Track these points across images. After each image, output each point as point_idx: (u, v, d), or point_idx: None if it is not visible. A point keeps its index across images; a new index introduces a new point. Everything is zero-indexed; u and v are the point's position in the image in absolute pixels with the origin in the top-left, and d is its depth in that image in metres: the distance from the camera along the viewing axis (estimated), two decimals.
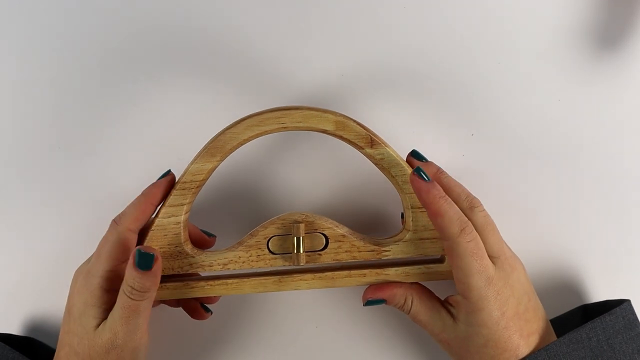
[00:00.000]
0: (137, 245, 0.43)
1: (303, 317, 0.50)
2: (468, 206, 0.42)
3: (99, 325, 0.41)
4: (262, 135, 0.43)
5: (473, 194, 0.43)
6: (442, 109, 0.49)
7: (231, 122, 0.43)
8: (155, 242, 0.43)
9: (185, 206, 0.43)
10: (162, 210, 0.43)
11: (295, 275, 0.44)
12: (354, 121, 0.43)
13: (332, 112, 0.43)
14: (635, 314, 0.44)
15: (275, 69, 0.49)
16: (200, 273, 0.46)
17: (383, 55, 0.49)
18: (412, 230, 0.43)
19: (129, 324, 0.40)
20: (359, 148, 0.43)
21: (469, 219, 0.42)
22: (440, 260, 0.44)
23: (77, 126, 0.50)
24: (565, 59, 0.49)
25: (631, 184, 0.50)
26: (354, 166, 0.49)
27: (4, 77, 0.50)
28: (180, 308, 0.48)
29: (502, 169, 0.49)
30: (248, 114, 0.43)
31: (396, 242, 0.43)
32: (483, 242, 0.41)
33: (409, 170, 0.43)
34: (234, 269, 0.43)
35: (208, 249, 0.46)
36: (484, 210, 0.43)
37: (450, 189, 0.43)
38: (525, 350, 0.41)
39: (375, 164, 0.43)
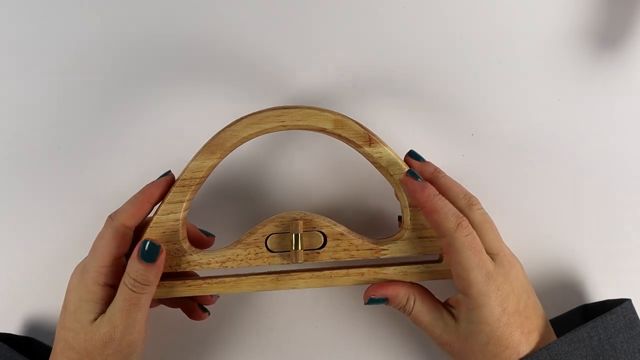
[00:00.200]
0: (132, 242, 0.43)
1: (303, 317, 0.50)
2: (466, 204, 0.42)
3: (94, 319, 0.41)
4: (262, 134, 0.43)
5: (471, 193, 0.43)
6: (442, 109, 0.49)
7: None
8: (153, 238, 0.43)
9: (184, 203, 0.43)
10: (161, 207, 0.43)
11: (293, 274, 0.44)
12: (353, 120, 0.43)
13: (331, 111, 0.43)
14: (636, 313, 0.44)
15: (275, 69, 0.49)
16: (198, 271, 0.46)
17: (383, 56, 0.49)
18: (411, 229, 0.43)
19: (129, 317, 0.40)
20: (357, 147, 0.43)
21: (467, 217, 0.42)
22: (439, 260, 0.44)
23: (78, 127, 0.50)
24: (565, 59, 0.49)
25: (631, 184, 0.50)
26: (352, 166, 0.49)
27: (4, 77, 0.50)
28: (179, 309, 0.48)
29: (502, 168, 0.49)
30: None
31: (394, 241, 0.43)
32: (481, 239, 0.41)
33: (407, 169, 0.43)
34: (232, 267, 0.43)
35: (207, 249, 0.45)
36: (482, 208, 0.43)
37: (449, 188, 0.43)
38: (526, 348, 0.41)
39: (373, 163, 0.43)
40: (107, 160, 0.50)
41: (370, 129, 0.43)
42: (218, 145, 0.43)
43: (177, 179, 0.43)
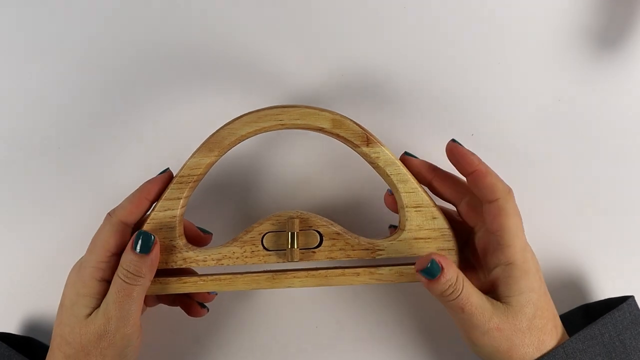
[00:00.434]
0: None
1: (303, 317, 0.50)
2: None
3: (90, 314, 0.41)
4: (260, 132, 0.43)
5: None
6: (441, 109, 0.49)
7: None
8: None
9: (181, 200, 0.43)
10: (159, 204, 0.43)
11: (288, 273, 0.43)
12: (351, 120, 0.43)
13: (329, 111, 0.43)
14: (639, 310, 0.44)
15: (274, 69, 0.49)
16: (195, 269, 0.46)
17: (382, 55, 0.49)
18: (407, 229, 0.43)
19: (122, 309, 0.40)
20: (355, 147, 0.43)
21: None
22: None
23: (77, 127, 0.50)
24: (565, 59, 0.49)
25: (631, 184, 0.49)
26: (349, 166, 0.49)
27: (4, 77, 0.50)
28: (178, 308, 0.48)
29: (502, 168, 0.48)
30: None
31: (390, 241, 0.43)
32: None
33: (404, 169, 0.43)
34: (228, 265, 0.43)
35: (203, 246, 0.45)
36: None
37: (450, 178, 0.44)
38: (558, 322, 0.42)
39: (371, 163, 0.43)
40: (106, 159, 0.50)
41: (368, 129, 0.43)
42: (216, 143, 0.43)
43: (175, 176, 0.43)
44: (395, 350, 0.50)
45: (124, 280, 0.41)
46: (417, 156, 0.44)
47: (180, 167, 0.43)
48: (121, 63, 0.50)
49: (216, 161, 0.43)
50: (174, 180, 0.43)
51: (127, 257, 0.41)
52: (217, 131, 0.43)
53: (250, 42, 0.50)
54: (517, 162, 0.49)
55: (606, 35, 0.48)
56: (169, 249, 0.43)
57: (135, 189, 0.43)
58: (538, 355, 0.40)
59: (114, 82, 0.50)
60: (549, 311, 0.41)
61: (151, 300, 0.47)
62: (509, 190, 0.41)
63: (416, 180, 0.43)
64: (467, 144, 0.48)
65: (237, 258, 0.43)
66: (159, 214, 0.43)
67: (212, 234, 0.47)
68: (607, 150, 0.49)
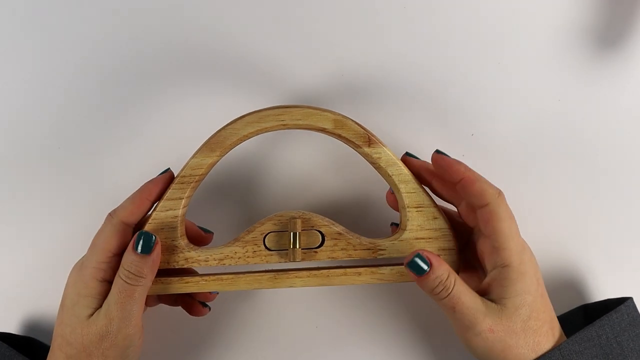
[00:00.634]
0: (131, 239, 0.43)
1: (303, 317, 0.50)
2: None
3: (91, 314, 0.41)
4: (262, 132, 0.43)
5: None
6: (442, 109, 0.49)
7: None
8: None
9: (183, 200, 0.43)
10: (160, 204, 0.43)
11: (290, 273, 0.44)
12: (353, 120, 0.43)
13: (331, 111, 0.43)
14: (638, 311, 0.44)
15: (275, 69, 0.49)
16: (197, 269, 0.46)
17: (383, 56, 0.49)
18: (408, 229, 0.43)
19: (124, 310, 0.40)
20: (357, 147, 0.43)
21: None
22: None
23: (78, 127, 0.50)
24: (565, 59, 0.49)
25: (631, 183, 0.49)
26: (351, 166, 0.49)
27: (4, 77, 0.50)
28: (179, 308, 0.48)
29: (502, 168, 0.49)
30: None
31: (392, 241, 0.43)
32: None
33: (406, 170, 0.43)
34: (230, 265, 0.43)
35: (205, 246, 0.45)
36: None
37: None
38: (555, 324, 0.42)
39: (372, 164, 0.43)
40: (107, 160, 0.50)
41: (369, 130, 0.43)
42: (218, 143, 0.43)
43: (177, 176, 0.43)
44: (396, 350, 0.50)
45: (125, 281, 0.41)
46: (418, 156, 0.44)
47: (181, 167, 0.43)
48: (122, 63, 0.50)
49: (218, 161, 0.43)
50: (176, 181, 0.43)
51: (129, 258, 0.41)
52: (219, 131, 0.43)
53: (252, 42, 0.50)
54: (517, 162, 0.49)
55: (606, 35, 0.48)
56: (170, 249, 0.43)
57: (136, 189, 0.43)
58: (534, 356, 0.40)
59: (114, 82, 0.50)
60: (545, 313, 0.41)
61: (152, 300, 0.47)
62: (499, 194, 0.41)
63: (417, 181, 0.43)
64: (467, 144, 0.49)
65: (239, 258, 0.43)
66: (160, 214, 0.43)
67: (213, 233, 0.47)
68: (606, 151, 0.49)
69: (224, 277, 0.44)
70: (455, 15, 0.49)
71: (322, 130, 0.43)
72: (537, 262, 0.42)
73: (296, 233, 0.42)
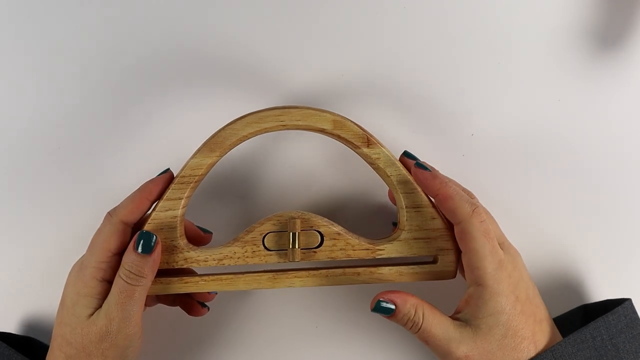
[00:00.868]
0: (130, 239, 0.43)
1: (303, 317, 0.50)
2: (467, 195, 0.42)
3: (91, 314, 0.41)
4: (261, 133, 0.43)
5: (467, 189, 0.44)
6: (442, 109, 0.49)
7: None
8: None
9: (182, 200, 0.43)
10: (160, 204, 0.43)
11: (289, 273, 0.44)
12: (352, 121, 0.43)
13: (331, 112, 0.43)
14: (636, 313, 0.44)
15: (274, 70, 0.49)
16: (196, 269, 0.46)
17: (382, 56, 0.49)
18: (407, 230, 0.43)
19: (124, 310, 0.40)
20: (355, 147, 0.43)
21: None
22: (434, 261, 0.44)
23: (78, 127, 0.50)
24: (565, 59, 0.49)
25: (631, 184, 0.49)
26: (350, 166, 0.49)
27: (4, 77, 0.50)
28: (177, 308, 0.48)
29: (502, 169, 0.49)
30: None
31: (391, 241, 0.43)
32: None
33: (404, 170, 0.43)
34: (229, 265, 0.43)
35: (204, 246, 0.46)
36: (479, 202, 0.43)
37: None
38: (541, 337, 0.41)
39: (371, 164, 0.43)
40: (107, 160, 0.50)
41: (368, 130, 0.43)
42: (217, 143, 0.43)
43: (176, 176, 0.43)
44: (396, 350, 0.50)
45: (126, 281, 0.41)
46: (417, 156, 0.44)
47: (181, 167, 0.43)
48: (122, 64, 0.50)
49: (217, 161, 0.43)
50: (175, 181, 0.43)
51: (129, 258, 0.41)
52: (219, 132, 0.43)
53: (251, 44, 0.49)
54: (517, 162, 0.49)
55: (606, 35, 0.48)
56: (170, 249, 0.43)
57: (136, 189, 0.43)
58: None
59: (114, 83, 0.50)
60: (525, 329, 0.40)
61: (150, 300, 0.47)
62: (472, 212, 0.40)
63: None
64: (467, 144, 0.49)
65: (238, 258, 0.43)
66: (160, 214, 0.43)
67: (212, 233, 0.47)
68: (606, 151, 0.49)
69: (223, 277, 0.44)
70: (455, 15, 0.49)
71: (322, 130, 0.43)
72: (520, 276, 0.42)
73: (295, 233, 0.43)
